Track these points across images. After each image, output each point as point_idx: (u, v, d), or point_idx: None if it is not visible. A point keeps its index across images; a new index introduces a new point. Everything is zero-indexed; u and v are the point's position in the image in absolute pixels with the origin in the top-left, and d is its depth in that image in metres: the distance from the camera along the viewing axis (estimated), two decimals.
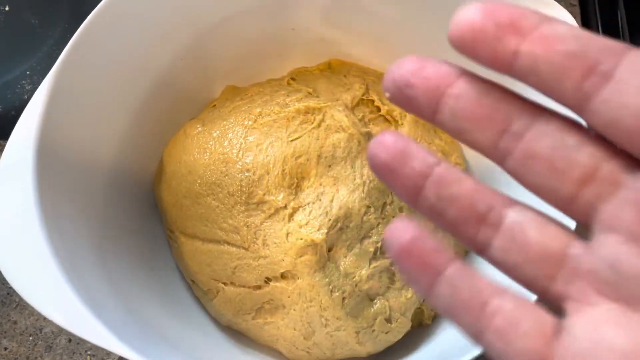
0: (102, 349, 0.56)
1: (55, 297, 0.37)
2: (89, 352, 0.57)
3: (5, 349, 0.57)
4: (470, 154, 0.57)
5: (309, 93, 0.53)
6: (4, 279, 0.57)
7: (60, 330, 0.57)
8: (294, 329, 0.48)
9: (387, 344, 0.48)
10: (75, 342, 0.57)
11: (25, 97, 0.61)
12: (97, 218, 0.47)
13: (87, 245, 0.44)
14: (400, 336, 0.48)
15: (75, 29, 0.43)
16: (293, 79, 0.56)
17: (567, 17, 0.44)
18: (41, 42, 0.64)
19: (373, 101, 0.54)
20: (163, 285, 0.51)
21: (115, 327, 0.37)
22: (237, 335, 0.51)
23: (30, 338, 0.58)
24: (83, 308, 0.36)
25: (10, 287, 0.58)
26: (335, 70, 0.58)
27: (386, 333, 0.47)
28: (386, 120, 0.54)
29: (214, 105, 0.55)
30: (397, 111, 0.54)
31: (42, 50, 0.55)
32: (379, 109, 0.54)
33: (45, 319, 0.57)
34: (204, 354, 0.47)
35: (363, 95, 0.54)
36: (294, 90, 0.54)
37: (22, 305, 0.59)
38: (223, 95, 0.56)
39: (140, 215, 0.53)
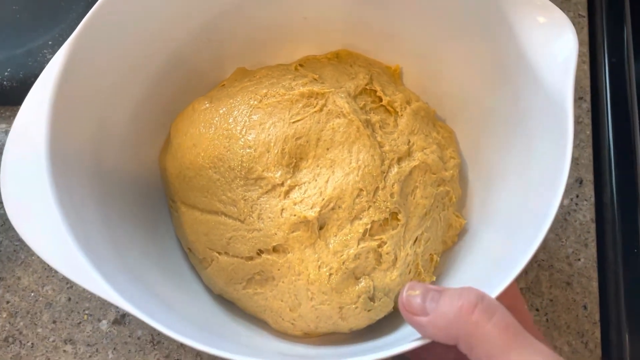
0: (99, 310, 0.59)
1: (61, 250, 0.39)
2: (86, 312, 0.59)
3: (8, 302, 0.60)
4: (465, 149, 0.59)
5: (315, 79, 0.56)
6: (12, 236, 0.62)
7: (61, 290, 0.60)
8: (281, 300, 0.50)
9: (369, 322, 0.50)
10: (74, 302, 0.60)
11: (46, 65, 0.62)
12: (104, 182, 0.50)
13: (92, 205, 0.46)
14: (382, 315, 0.50)
15: None
16: (301, 65, 0.58)
17: (566, 24, 0.45)
18: (65, 13, 0.66)
19: (375, 91, 0.56)
20: (161, 251, 0.54)
21: (114, 280, 0.39)
22: (228, 304, 0.54)
23: (32, 294, 0.60)
24: (85, 261, 0.39)
25: (17, 244, 0.62)
26: (343, 59, 0.60)
27: (368, 311, 0.49)
28: (387, 110, 0.56)
29: (223, 85, 0.58)
30: (398, 102, 0.56)
31: (65, 22, 0.57)
32: (380, 99, 0.56)
33: (47, 277, 0.61)
34: (195, 313, 0.49)
35: (366, 85, 0.56)
36: (300, 75, 0.56)
37: (26, 263, 0.61)
38: (233, 76, 0.59)
39: (145, 184, 0.56)
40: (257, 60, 0.60)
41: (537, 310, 0.59)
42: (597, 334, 0.58)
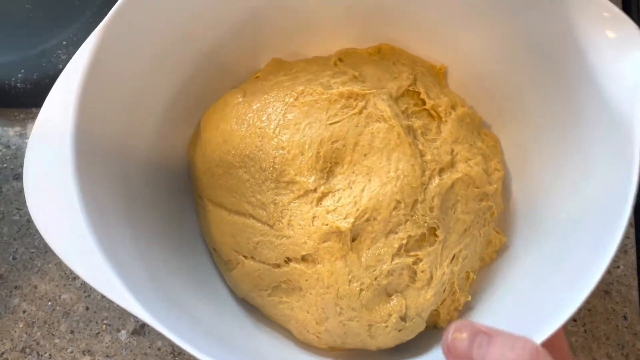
0: (118, 319, 0.58)
1: (82, 252, 0.38)
2: (104, 322, 0.58)
3: (24, 311, 0.59)
4: (510, 159, 0.55)
5: (355, 77, 0.52)
6: (28, 243, 0.61)
7: (79, 298, 0.59)
8: (307, 312, 0.48)
9: (399, 342, 0.48)
10: (92, 311, 0.58)
11: (60, 66, 0.61)
12: (129, 177, 0.48)
13: (116, 201, 0.45)
14: (413, 335, 0.48)
15: (114, 2, 0.43)
16: (340, 59, 0.55)
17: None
18: (79, 13, 0.64)
19: (419, 93, 0.53)
20: (185, 249, 0.52)
21: (136, 289, 0.37)
22: (251, 309, 0.52)
23: (49, 303, 0.59)
24: (109, 270, 0.37)
25: (33, 251, 0.61)
26: (385, 55, 0.56)
27: (399, 331, 0.47)
28: (430, 115, 0.52)
29: (257, 77, 0.55)
30: (442, 107, 0.52)
31: (79, 22, 0.56)
32: (423, 102, 0.53)
33: (64, 285, 0.59)
34: (217, 324, 0.48)
35: (410, 86, 0.53)
36: (339, 72, 0.53)
37: (43, 271, 0.60)
38: (267, 67, 0.55)
39: (171, 178, 0.53)
40: (293, 50, 0.57)
41: (575, 320, 0.56)
42: (639, 345, 0.55)
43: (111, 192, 0.44)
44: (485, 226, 0.51)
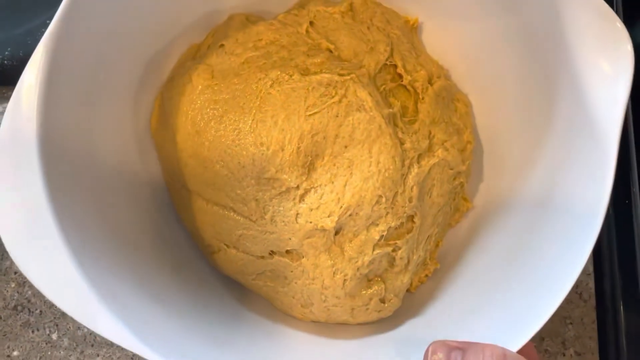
0: None
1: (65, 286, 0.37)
2: None
3: (15, 272, 0.60)
4: (480, 125, 0.56)
5: (330, 51, 0.50)
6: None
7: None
8: (293, 298, 0.50)
9: (378, 319, 0.51)
10: None
11: None
12: (95, 163, 0.45)
13: (85, 194, 0.43)
14: (390, 314, 0.51)
15: None
16: (312, 23, 0.52)
17: (623, 37, 0.41)
18: None
19: (396, 66, 0.51)
20: (160, 229, 0.51)
21: (126, 317, 0.37)
22: (235, 284, 0.53)
23: None
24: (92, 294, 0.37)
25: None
26: (357, 14, 0.53)
27: (379, 311, 0.50)
28: (407, 91, 0.51)
29: (222, 45, 0.51)
30: (419, 82, 0.51)
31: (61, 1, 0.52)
32: (400, 77, 0.51)
33: None
34: (199, 302, 0.48)
35: (387, 59, 0.50)
36: (314, 46, 0.50)
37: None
38: (232, 31, 0.52)
39: (143, 162, 0.52)
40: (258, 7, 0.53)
41: None
42: (591, 284, 0.59)
43: (80, 184, 0.43)
44: (455, 199, 0.53)
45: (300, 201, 0.47)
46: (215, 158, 0.47)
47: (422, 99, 0.51)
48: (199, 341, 0.43)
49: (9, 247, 0.38)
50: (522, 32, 0.48)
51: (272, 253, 0.48)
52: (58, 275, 0.38)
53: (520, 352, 0.38)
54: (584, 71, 0.42)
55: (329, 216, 0.46)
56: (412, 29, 0.55)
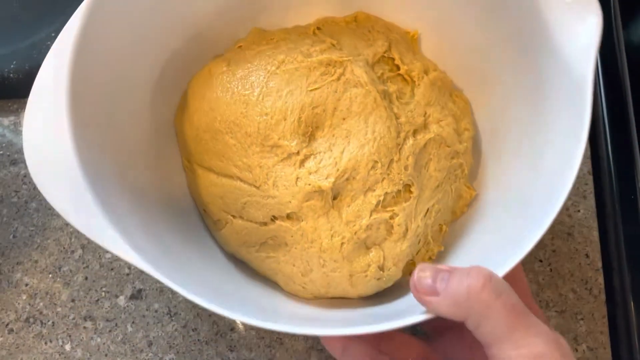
0: (116, 286, 0.61)
1: (78, 204, 0.41)
2: (103, 289, 0.62)
3: (26, 284, 0.62)
4: (480, 120, 0.58)
5: (333, 45, 0.55)
6: (27, 222, 0.64)
7: (78, 270, 0.62)
8: (293, 265, 0.52)
9: (377, 289, 0.52)
10: (91, 280, 0.62)
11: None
12: (121, 141, 0.50)
13: (110, 163, 0.47)
14: (390, 283, 0.52)
15: None
16: (319, 28, 0.58)
17: (593, 7, 0.44)
18: (66, 4, 0.64)
19: (393, 59, 0.56)
20: (176, 209, 0.55)
21: (130, 236, 0.40)
22: (241, 265, 0.55)
23: (50, 276, 0.62)
24: (102, 216, 0.40)
25: (32, 229, 0.64)
26: (361, 23, 0.59)
27: (378, 279, 0.51)
28: (404, 79, 0.56)
29: (240, 46, 0.57)
30: (415, 71, 0.55)
31: (66, 13, 0.56)
32: (398, 68, 0.56)
33: (64, 258, 0.63)
34: (209, 275, 0.51)
35: (385, 52, 0.55)
36: (318, 40, 0.55)
37: (42, 246, 0.63)
38: (250, 37, 0.58)
39: (161, 144, 0.56)
40: (273, 20, 0.59)
41: (541, 261, 0.61)
42: (600, 280, 0.60)
43: (105, 155, 0.47)
44: (457, 182, 0.55)
45: (300, 166, 0.50)
46: (225, 130, 0.52)
47: (418, 85, 0.55)
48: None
49: (31, 169, 0.42)
50: (513, 32, 0.51)
51: (273, 219, 0.51)
52: (76, 199, 0.41)
53: (510, 275, 0.39)
54: (562, 42, 0.45)
55: (326, 178, 0.49)
56: (412, 40, 0.60)
